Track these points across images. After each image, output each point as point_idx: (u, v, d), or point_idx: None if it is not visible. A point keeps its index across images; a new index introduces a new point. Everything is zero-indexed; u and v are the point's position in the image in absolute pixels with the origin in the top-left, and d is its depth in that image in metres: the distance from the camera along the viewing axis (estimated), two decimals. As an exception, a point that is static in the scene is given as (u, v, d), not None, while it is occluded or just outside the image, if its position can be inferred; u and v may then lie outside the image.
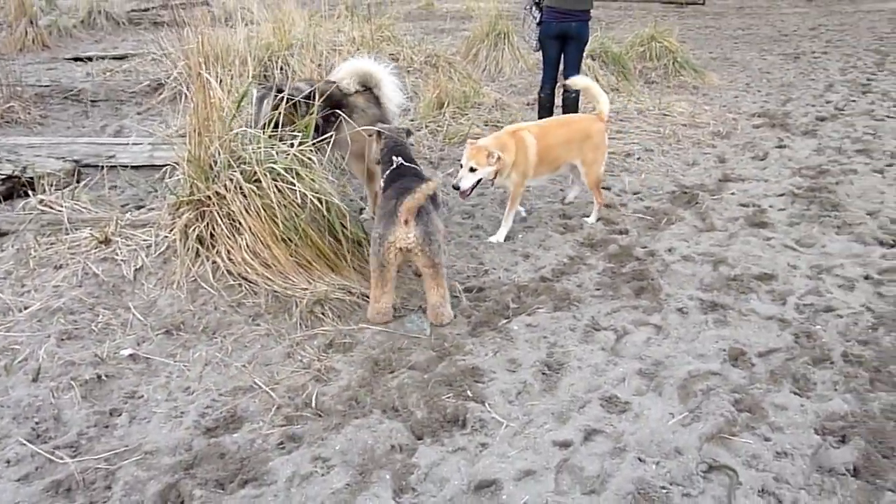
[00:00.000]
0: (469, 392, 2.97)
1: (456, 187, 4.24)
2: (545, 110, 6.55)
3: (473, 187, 4.28)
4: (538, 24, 6.55)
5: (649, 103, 8.05)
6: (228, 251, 3.58)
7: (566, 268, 4.17)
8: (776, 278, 3.99)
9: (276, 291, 3.56)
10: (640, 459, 2.59)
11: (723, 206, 5.11)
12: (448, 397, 2.94)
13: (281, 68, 7.24)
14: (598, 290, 3.90)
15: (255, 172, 3.54)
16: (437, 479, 2.52)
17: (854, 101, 8.35)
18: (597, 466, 2.56)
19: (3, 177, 4.75)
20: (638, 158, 6.24)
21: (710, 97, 8.63)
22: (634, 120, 7.45)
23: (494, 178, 4.37)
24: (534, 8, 6.49)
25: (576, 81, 5.31)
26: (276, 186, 3.54)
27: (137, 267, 3.75)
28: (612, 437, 2.72)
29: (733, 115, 7.78)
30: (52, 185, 4.54)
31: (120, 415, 2.84)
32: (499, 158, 4.24)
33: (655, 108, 7.83)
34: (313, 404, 2.93)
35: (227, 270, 3.61)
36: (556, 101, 6.57)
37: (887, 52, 11.42)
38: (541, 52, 6.56)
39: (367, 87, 4.51)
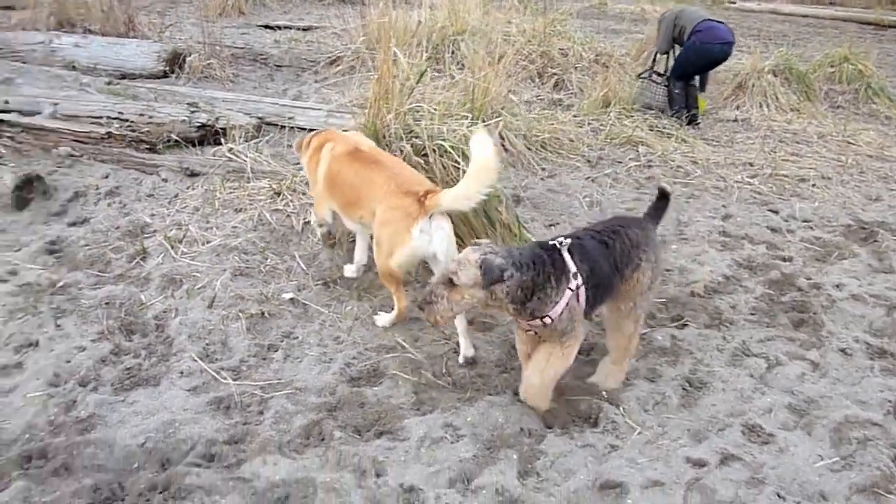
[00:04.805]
0: (604, 393, 2.94)
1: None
2: (683, 100, 7.03)
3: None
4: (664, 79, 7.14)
5: (832, 128, 7.44)
6: (389, 217, 3.76)
7: (720, 286, 3.98)
8: (962, 335, 3.58)
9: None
10: (779, 496, 2.45)
11: (906, 249, 4.64)
12: (582, 393, 2.93)
13: (452, 52, 7.43)
14: (752, 314, 3.70)
15: (425, 147, 3.69)
16: (563, 470, 2.53)
17: None
18: (731, 492, 2.45)
19: (199, 124, 5.26)
20: (813, 185, 5.80)
21: (905, 130, 7.83)
22: (813, 144, 6.92)
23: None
24: (653, 75, 7.16)
25: None
26: (442, 163, 3.66)
27: (305, 220, 4.04)
28: (750, 466, 2.59)
29: (931, 152, 7.01)
30: (240, 137, 4.98)
31: (276, 350, 3.10)
32: None
33: (839, 135, 7.22)
34: (449, 374, 3.03)
35: (385, 236, 3.80)
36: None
37: None
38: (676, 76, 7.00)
39: None
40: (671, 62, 7.06)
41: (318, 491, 2.34)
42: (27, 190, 4.19)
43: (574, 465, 2.54)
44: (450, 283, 2.44)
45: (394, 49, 3.63)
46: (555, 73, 7.95)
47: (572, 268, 2.57)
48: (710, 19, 6.74)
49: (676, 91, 6.95)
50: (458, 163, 3.69)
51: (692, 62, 6.79)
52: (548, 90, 7.68)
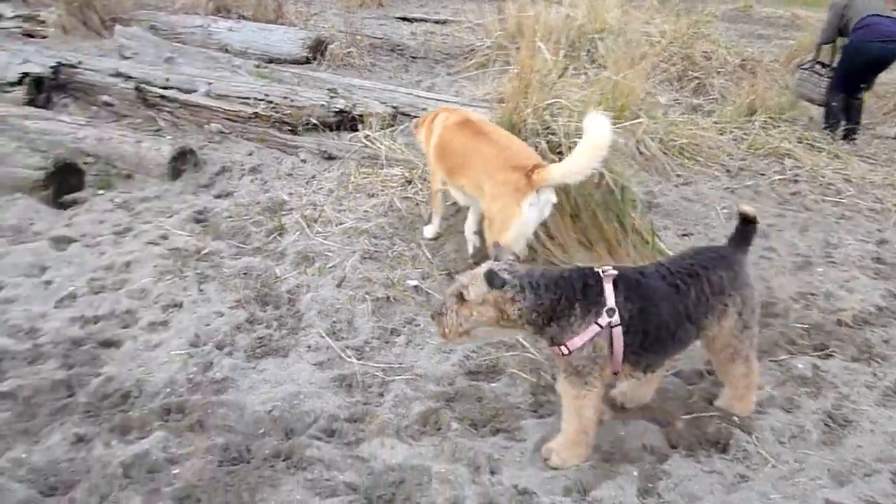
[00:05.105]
0: (736, 418, 2.76)
1: None
2: (841, 113, 6.46)
3: None
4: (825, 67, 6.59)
5: None
6: (517, 213, 3.72)
7: (872, 318, 3.63)
8: None
9: (551, 262, 3.63)
10: (934, 557, 2.19)
11: None
12: (711, 416, 2.76)
13: (588, 51, 7.26)
14: (909, 351, 3.35)
15: (561, 144, 3.61)
16: (687, 494, 2.38)
17: None
18: (877, 545, 2.22)
19: (337, 110, 5.44)
20: None
21: None
22: None
23: None
24: (815, 65, 6.57)
25: None
26: (578, 161, 3.56)
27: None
28: (901, 519, 2.34)
29: None
30: (376, 125, 5.10)
31: (399, 335, 3.15)
32: None
33: None
34: (570, 379, 2.94)
35: (511, 231, 3.76)
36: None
37: None
38: (841, 76, 6.38)
39: None
40: (837, 55, 6.47)
41: (433, 480, 2.34)
42: (181, 161, 4.50)
43: (699, 492, 2.39)
44: (461, 297, 2.30)
45: (539, 44, 3.57)
46: (696, 77, 7.60)
47: (609, 302, 2.28)
48: (878, 14, 6.05)
49: (834, 103, 6.39)
50: (594, 163, 3.58)
51: (853, 61, 6.16)
52: (686, 94, 7.35)
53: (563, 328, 2.29)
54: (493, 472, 2.42)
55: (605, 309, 2.27)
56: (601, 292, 2.29)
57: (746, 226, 2.61)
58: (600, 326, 2.27)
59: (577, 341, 2.28)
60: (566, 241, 3.62)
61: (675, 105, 6.86)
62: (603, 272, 2.34)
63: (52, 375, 2.77)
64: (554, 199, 3.24)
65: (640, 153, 5.19)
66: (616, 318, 2.28)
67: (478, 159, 3.29)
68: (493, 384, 2.87)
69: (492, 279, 2.23)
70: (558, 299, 2.28)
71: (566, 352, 2.31)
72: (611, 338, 2.30)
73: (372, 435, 2.55)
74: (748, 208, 2.60)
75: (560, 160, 3.62)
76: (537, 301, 2.27)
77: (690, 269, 2.44)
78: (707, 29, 8.75)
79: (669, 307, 2.36)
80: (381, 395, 2.78)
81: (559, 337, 2.31)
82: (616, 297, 2.29)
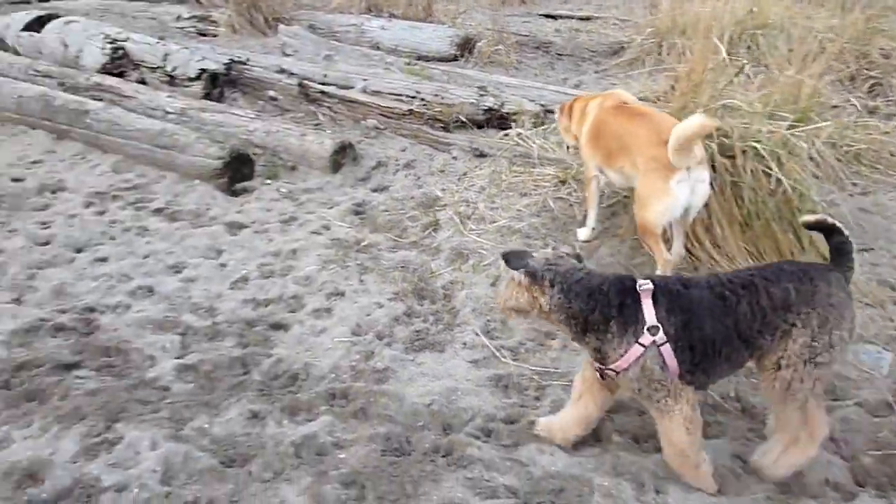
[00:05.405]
0: (934, 459, 2.47)
1: None
2: None
3: None
4: None
5: None
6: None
7: None
8: None
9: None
10: None
11: None
12: (905, 453, 2.48)
13: (748, 47, 6.81)
14: None
15: (733, 147, 3.39)
16: (880, 540, 2.16)
17: None
18: None
19: (486, 108, 5.45)
20: None
21: None
22: None
23: None
24: None
25: None
26: (752, 167, 3.34)
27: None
28: None
29: None
30: (528, 122, 5.06)
31: (554, 339, 3.09)
32: None
33: None
34: (738, 399, 2.76)
35: (674, 240, 3.58)
36: None
37: None
38: None
39: None
40: None
41: (595, 493, 2.27)
42: (341, 155, 4.69)
43: (894, 538, 2.16)
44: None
45: (715, 41, 3.37)
46: (872, 77, 6.91)
47: (650, 319, 2.11)
48: None
49: None
50: (770, 169, 3.34)
51: None
52: (861, 95, 6.69)
53: (603, 343, 2.19)
54: (657, 492, 2.31)
55: (645, 327, 2.12)
56: (639, 309, 2.14)
57: (833, 239, 2.29)
58: (643, 346, 2.12)
59: (622, 363, 2.16)
60: (734, 252, 3.40)
61: (847, 106, 6.27)
62: (640, 287, 2.18)
63: (229, 353, 2.97)
64: (706, 176, 3.10)
65: (811, 159, 4.79)
66: (661, 336, 2.12)
67: (633, 139, 3.25)
68: (655, 398, 2.74)
69: (507, 258, 2.26)
70: (591, 310, 2.17)
71: (613, 373, 2.22)
72: (661, 357, 2.13)
73: (530, 439, 2.51)
74: (808, 217, 2.32)
75: (731, 165, 3.43)
76: (566, 303, 2.19)
77: (746, 280, 2.20)
78: (884, 24, 7.94)
79: (712, 320, 2.15)
80: (538, 398, 2.74)
81: (602, 353, 2.21)
82: (657, 312, 2.13)
